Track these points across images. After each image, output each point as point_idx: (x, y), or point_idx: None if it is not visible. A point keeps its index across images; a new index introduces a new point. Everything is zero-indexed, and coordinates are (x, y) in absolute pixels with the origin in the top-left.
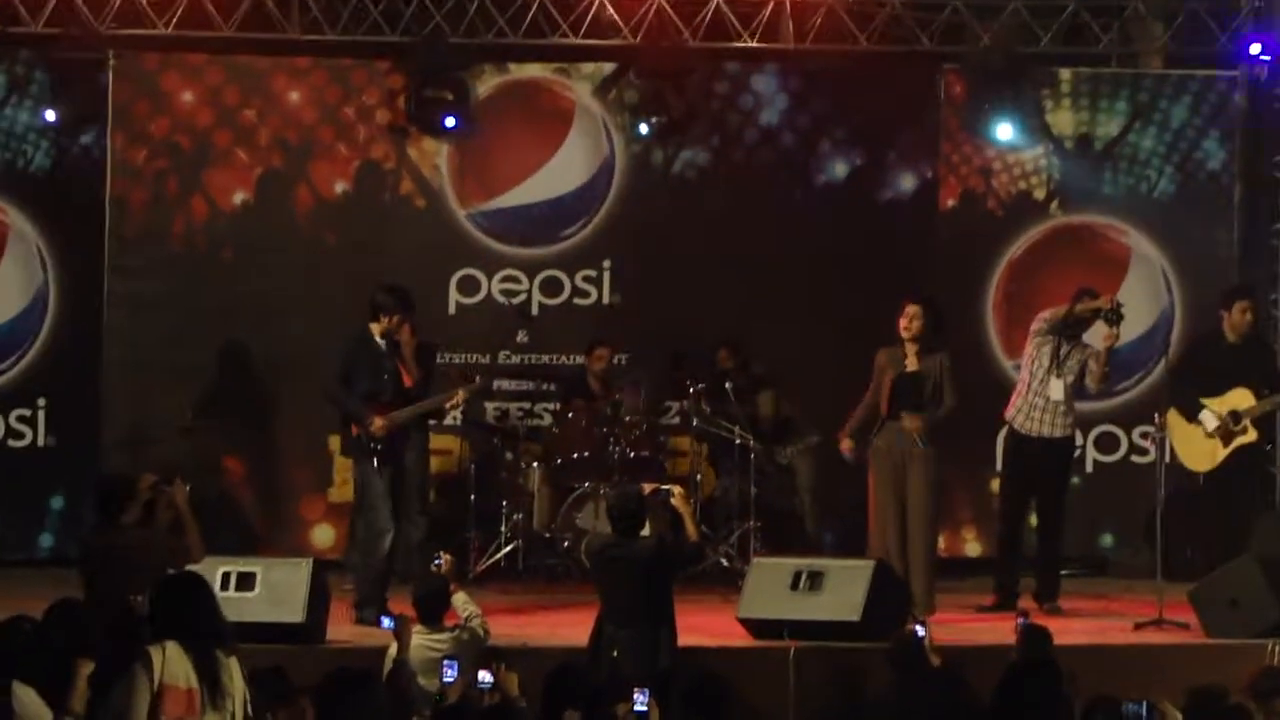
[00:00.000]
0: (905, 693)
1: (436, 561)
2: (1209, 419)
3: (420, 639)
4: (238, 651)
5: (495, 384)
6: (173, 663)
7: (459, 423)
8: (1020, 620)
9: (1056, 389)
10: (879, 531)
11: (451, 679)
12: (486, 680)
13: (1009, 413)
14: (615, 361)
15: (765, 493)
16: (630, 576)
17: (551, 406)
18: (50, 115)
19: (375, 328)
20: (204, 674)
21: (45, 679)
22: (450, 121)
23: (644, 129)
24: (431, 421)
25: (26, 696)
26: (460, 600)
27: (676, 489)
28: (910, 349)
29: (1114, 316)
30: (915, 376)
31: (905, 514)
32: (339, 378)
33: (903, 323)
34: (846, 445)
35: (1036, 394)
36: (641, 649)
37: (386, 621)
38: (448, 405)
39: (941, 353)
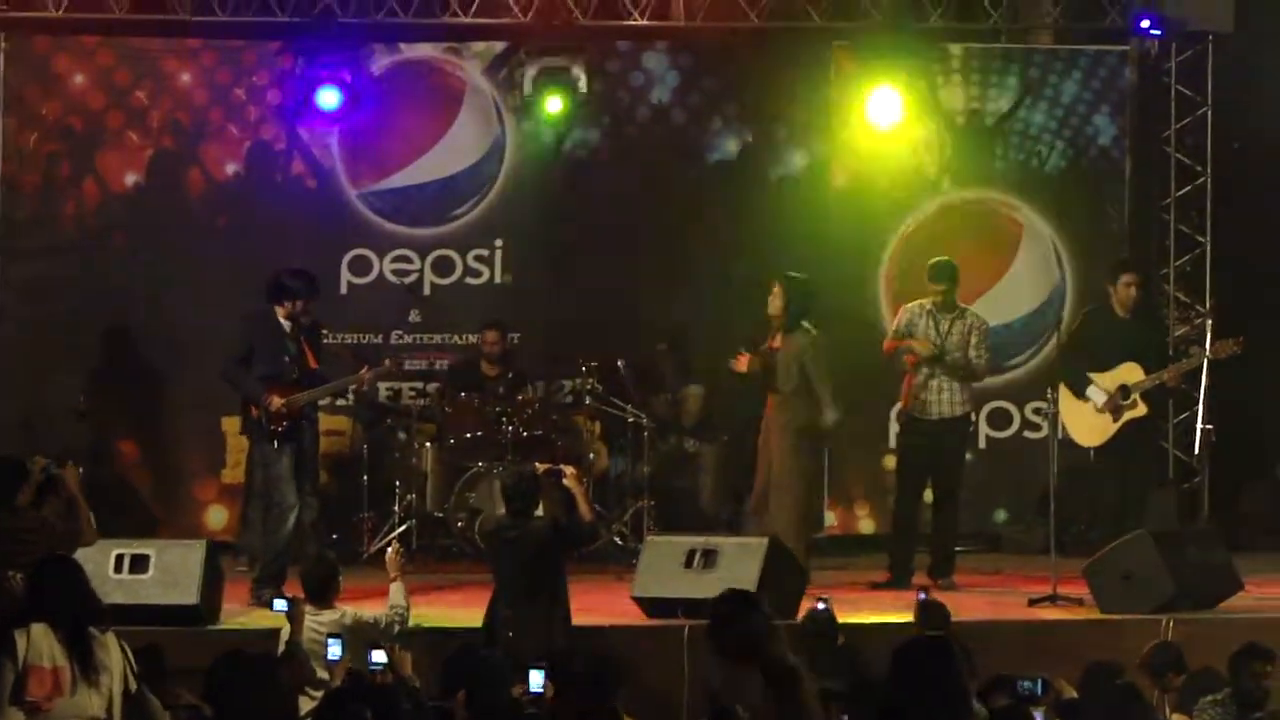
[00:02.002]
0: (809, 670)
1: (387, 550)
2: (1097, 394)
3: (307, 619)
4: (114, 630)
5: (386, 364)
6: (38, 643)
7: (351, 403)
8: (920, 596)
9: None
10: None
11: (336, 658)
12: (379, 660)
13: (903, 390)
14: (510, 341)
15: (661, 472)
16: (524, 557)
17: (444, 386)
18: None
19: (280, 310)
20: (74, 652)
21: None
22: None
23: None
24: (322, 402)
25: None
26: (393, 590)
27: (569, 469)
28: (774, 327)
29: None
30: (770, 355)
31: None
32: (240, 359)
33: (769, 301)
34: (743, 363)
35: (928, 374)
36: (536, 629)
37: (280, 603)
38: (353, 388)
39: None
